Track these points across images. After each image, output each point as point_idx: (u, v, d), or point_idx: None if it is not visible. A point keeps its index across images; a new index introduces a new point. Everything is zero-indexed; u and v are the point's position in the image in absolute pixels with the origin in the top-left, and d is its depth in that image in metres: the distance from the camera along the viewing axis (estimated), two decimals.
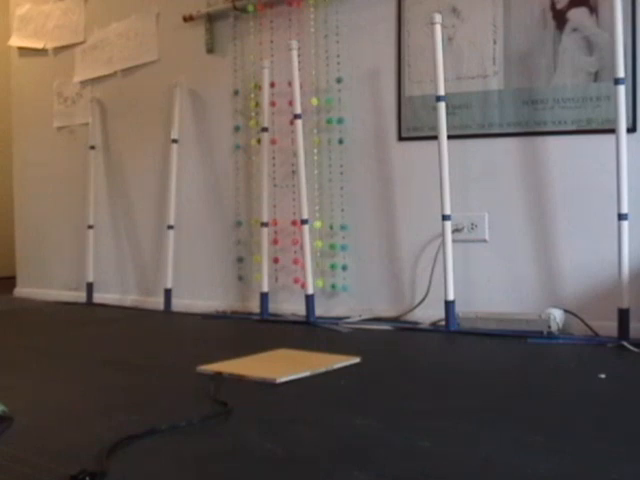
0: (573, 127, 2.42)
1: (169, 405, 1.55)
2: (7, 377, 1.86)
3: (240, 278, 3.06)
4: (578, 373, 1.83)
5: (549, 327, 2.28)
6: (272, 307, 2.89)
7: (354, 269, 2.80)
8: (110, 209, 3.49)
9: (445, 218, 2.48)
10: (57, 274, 3.68)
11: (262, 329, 2.66)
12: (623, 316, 2.20)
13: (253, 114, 3.00)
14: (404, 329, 2.54)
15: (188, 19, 3.14)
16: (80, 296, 3.48)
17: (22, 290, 3.86)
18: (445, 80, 2.50)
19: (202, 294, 3.14)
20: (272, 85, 2.93)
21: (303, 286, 2.76)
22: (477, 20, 2.56)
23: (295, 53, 2.78)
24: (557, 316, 2.30)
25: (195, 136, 3.21)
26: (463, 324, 2.46)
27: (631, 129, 2.30)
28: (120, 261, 3.45)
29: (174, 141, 3.18)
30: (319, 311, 2.78)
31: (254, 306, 2.94)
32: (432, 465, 1.13)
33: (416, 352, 2.21)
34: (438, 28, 2.48)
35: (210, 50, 3.12)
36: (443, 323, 2.49)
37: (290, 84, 2.82)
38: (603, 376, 1.71)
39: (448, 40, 2.59)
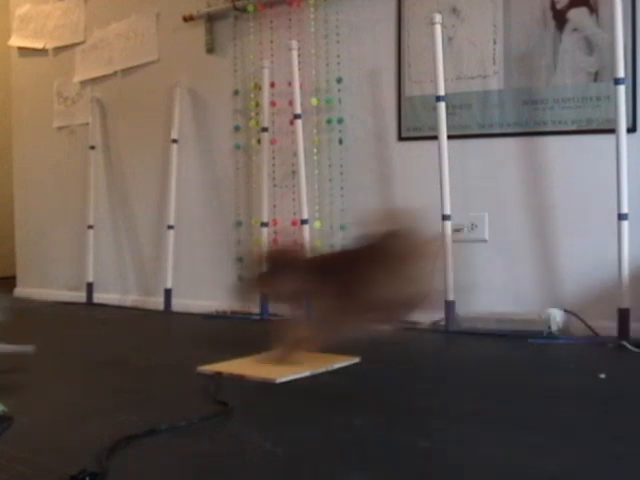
0: (573, 127, 2.43)
1: (169, 405, 1.55)
2: (7, 377, 1.86)
3: (240, 278, 3.06)
4: (578, 373, 1.83)
5: (549, 327, 2.28)
6: (272, 307, 2.88)
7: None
8: (110, 209, 3.49)
9: (445, 218, 2.48)
10: (57, 274, 3.67)
11: (262, 329, 2.66)
12: (623, 316, 2.20)
13: (253, 114, 3.00)
14: (404, 329, 2.53)
15: (188, 19, 3.13)
16: (80, 296, 3.48)
17: (22, 290, 3.86)
18: (445, 80, 2.50)
19: (202, 294, 3.14)
20: (272, 85, 2.92)
21: None
22: (477, 20, 2.56)
23: (295, 53, 2.78)
24: (557, 316, 2.30)
25: (195, 136, 3.21)
26: (463, 324, 2.46)
27: (631, 129, 2.30)
28: (120, 261, 3.45)
29: (174, 141, 3.18)
30: None
31: (254, 306, 2.94)
32: (432, 465, 1.13)
33: (416, 352, 2.21)
34: (438, 28, 2.48)
35: (210, 50, 3.12)
36: (443, 323, 2.49)
37: (290, 84, 2.82)
38: (603, 376, 1.71)
39: (448, 40, 2.59)
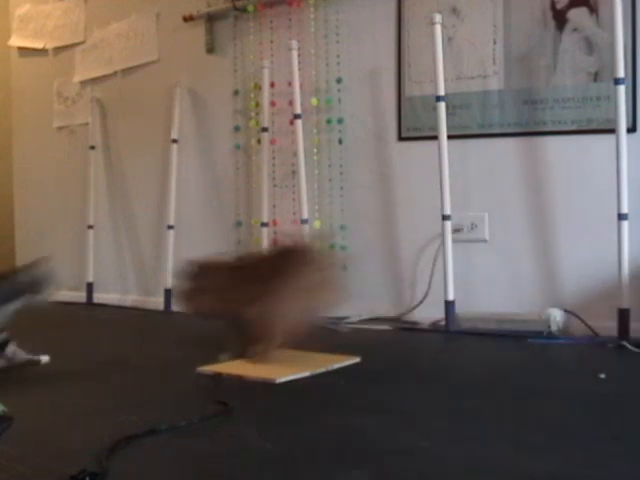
0: (573, 127, 2.43)
1: (169, 405, 1.55)
2: (7, 376, 1.86)
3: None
4: (578, 373, 1.83)
5: (549, 327, 2.28)
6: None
7: (354, 269, 2.79)
8: (110, 209, 3.49)
9: (445, 218, 2.48)
10: (57, 274, 3.66)
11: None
12: (623, 316, 2.20)
13: (253, 114, 3.00)
14: (404, 329, 2.53)
15: (188, 19, 3.14)
16: (80, 296, 3.48)
17: None
18: (445, 80, 2.49)
19: None
20: (272, 85, 2.93)
21: None
22: (477, 20, 2.56)
23: (295, 53, 2.78)
24: (557, 316, 2.30)
25: (195, 136, 3.21)
26: (463, 324, 2.46)
27: (631, 129, 2.30)
28: (120, 261, 3.45)
29: (174, 141, 3.18)
30: None
31: None
32: (432, 465, 1.13)
33: (416, 352, 2.21)
34: (438, 28, 2.48)
35: (210, 50, 3.12)
36: (443, 323, 2.49)
37: (290, 84, 2.82)
38: (603, 376, 1.71)
39: (448, 40, 2.59)
